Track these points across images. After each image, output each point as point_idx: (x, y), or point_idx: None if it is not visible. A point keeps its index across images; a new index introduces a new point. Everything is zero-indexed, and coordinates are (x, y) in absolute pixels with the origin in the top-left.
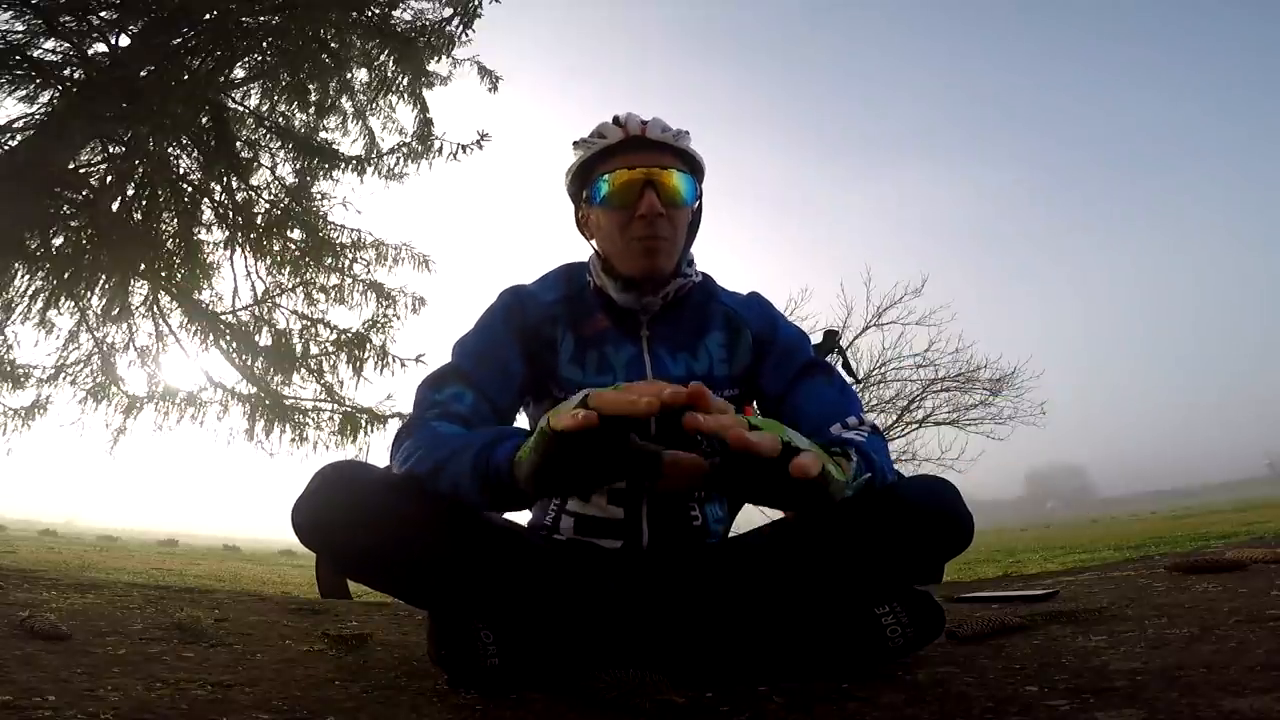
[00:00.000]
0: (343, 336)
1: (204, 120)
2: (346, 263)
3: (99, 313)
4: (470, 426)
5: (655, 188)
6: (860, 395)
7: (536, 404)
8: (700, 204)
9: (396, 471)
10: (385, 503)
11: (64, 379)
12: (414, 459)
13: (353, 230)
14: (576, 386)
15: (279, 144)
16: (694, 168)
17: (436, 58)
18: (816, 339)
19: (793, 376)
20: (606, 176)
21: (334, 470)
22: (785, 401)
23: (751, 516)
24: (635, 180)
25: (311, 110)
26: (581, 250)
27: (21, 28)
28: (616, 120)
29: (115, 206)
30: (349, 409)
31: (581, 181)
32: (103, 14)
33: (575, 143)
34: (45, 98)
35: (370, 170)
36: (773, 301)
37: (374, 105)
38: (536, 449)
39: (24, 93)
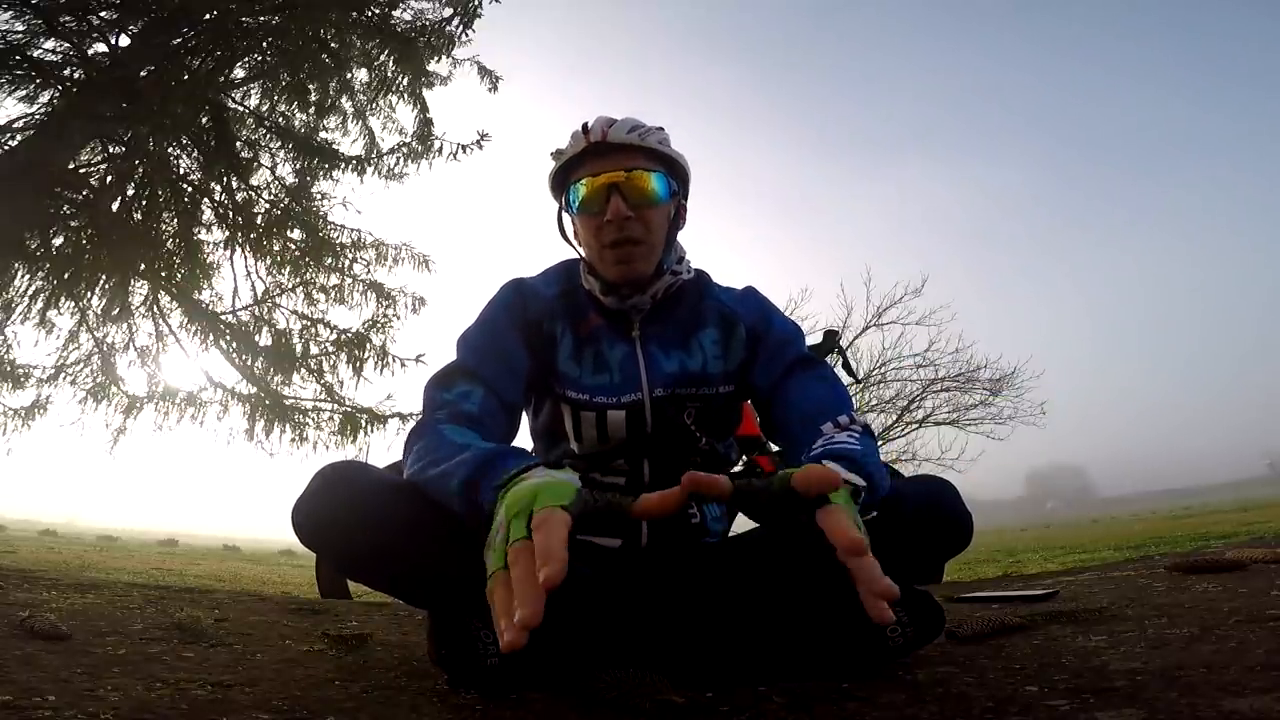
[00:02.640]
0: (343, 336)
1: (204, 120)
2: (346, 263)
3: (99, 313)
4: (481, 425)
5: (620, 191)
6: (860, 395)
7: (539, 400)
8: (682, 199)
9: (407, 475)
10: (385, 503)
11: (64, 379)
12: (417, 468)
13: (353, 230)
14: (573, 383)
15: (279, 144)
16: (668, 164)
17: (436, 58)
18: (816, 339)
19: (783, 370)
20: (577, 186)
21: (334, 470)
22: (776, 396)
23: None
24: (600, 186)
25: (311, 110)
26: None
27: (21, 28)
28: (585, 127)
29: (115, 206)
30: (349, 409)
31: (560, 190)
32: (103, 14)
33: (551, 153)
34: (45, 98)
35: (370, 170)
36: (772, 301)
37: (374, 105)
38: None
39: (24, 93)
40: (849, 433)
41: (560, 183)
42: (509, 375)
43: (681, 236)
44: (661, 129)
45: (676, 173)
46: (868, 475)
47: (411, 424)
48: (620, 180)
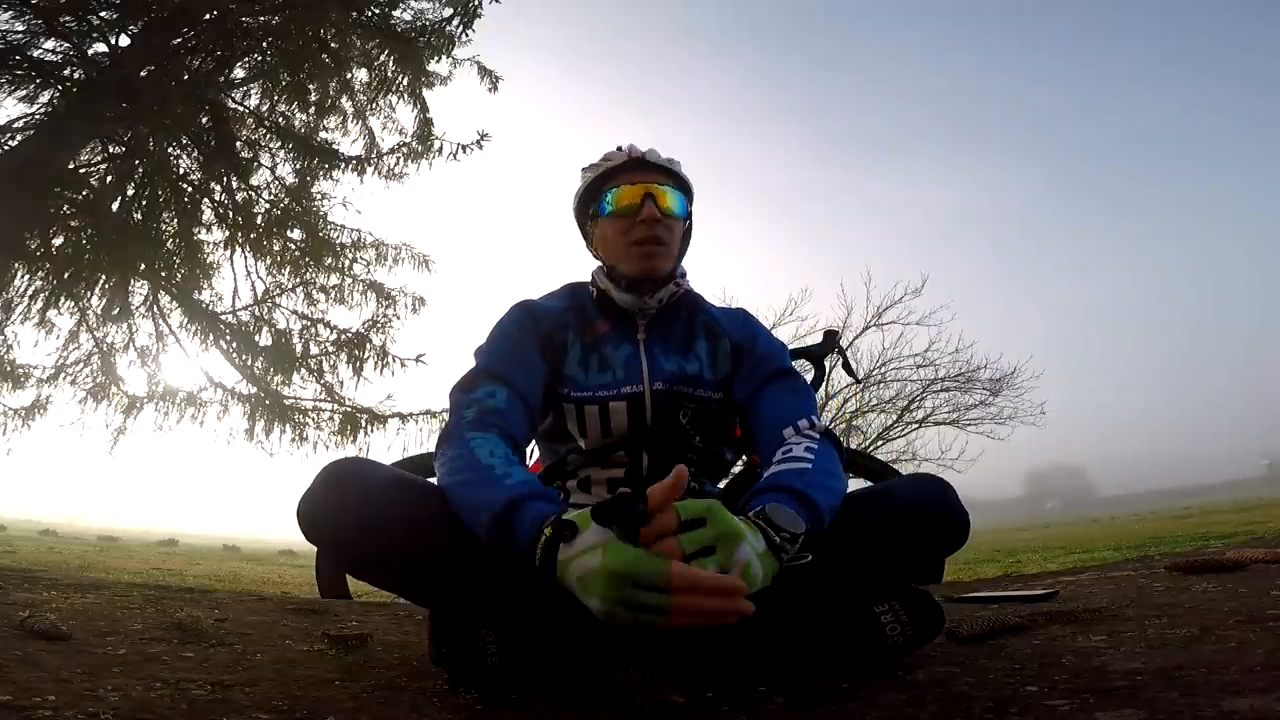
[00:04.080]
0: (343, 336)
1: (204, 120)
2: (346, 263)
3: (99, 313)
4: (508, 423)
5: (654, 198)
6: (860, 395)
7: (545, 407)
8: (690, 223)
9: (439, 484)
10: (390, 500)
11: (64, 379)
12: (447, 482)
13: (353, 230)
14: (578, 384)
15: (279, 144)
16: (685, 189)
17: (436, 58)
18: (816, 339)
19: (760, 383)
20: (612, 192)
21: (340, 466)
22: (751, 408)
23: None
24: (637, 192)
25: (311, 110)
26: (578, 256)
27: (21, 28)
28: (620, 148)
29: (115, 206)
30: (349, 409)
31: (589, 200)
32: (103, 14)
33: (584, 168)
34: (45, 98)
35: (370, 170)
36: (772, 303)
37: (374, 105)
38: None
39: (24, 93)
40: (806, 440)
41: (592, 192)
42: (529, 378)
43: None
44: (679, 162)
45: (689, 199)
46: (809, 501)
47: (412, 425)
48: (655, 190)
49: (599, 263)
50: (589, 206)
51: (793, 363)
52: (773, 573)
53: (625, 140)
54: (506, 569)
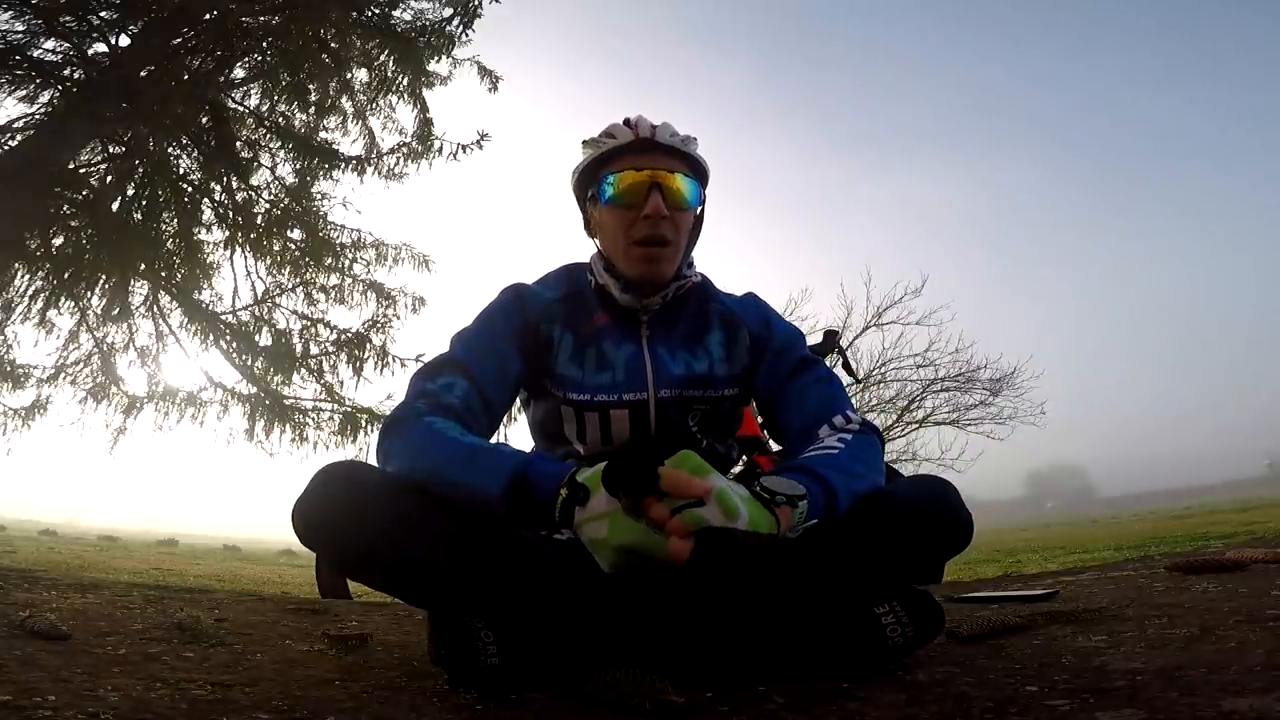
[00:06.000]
0: (343, 336)
1: (204, 120)
2: (346, 263)
3: (99, 313)
4: (460, 418)
5: (661, 189)
6: (860, 395)
7: (536, 402)
8: (703, 209)
9: (380, 464)
10: (384, 502)
11: (64, 379)
12: (411, 456)
13: (353, 230)
14: (575, 385)
15: (279, 144)
16: (699, 173)
17: (436, 58)
18: (816, 339)
19: (786, 375)
20: (613, 177)
21: (334, 469)
22: (778, 400)
23: None
24: (642, 181)
25: (311, 110)
26: (582, 251)
27: (21, 28)
28: (627, 122)
29: (115, 206)
30: (349, 409)
31: (589, 180)
32: (103, 14)
33: (584, 141)
34: (45, 98)
35: (370, 170)
36: (772, 302)
37: (374, 105)
38: (612, 539)
39: (24, 93)
40: (839, 436)
41: (591, 172)
42: (498, 375)
43: None
44: (695, 139)
45: (704, 183)
46: (822, 479)
47: None
48: (664, 179)
49: (597, 248)
50: (588, 187)
51: None
52: (767, 524)
53: (622, 107)
54: (503, 569)
